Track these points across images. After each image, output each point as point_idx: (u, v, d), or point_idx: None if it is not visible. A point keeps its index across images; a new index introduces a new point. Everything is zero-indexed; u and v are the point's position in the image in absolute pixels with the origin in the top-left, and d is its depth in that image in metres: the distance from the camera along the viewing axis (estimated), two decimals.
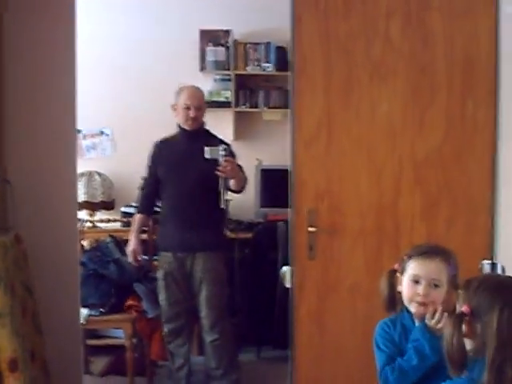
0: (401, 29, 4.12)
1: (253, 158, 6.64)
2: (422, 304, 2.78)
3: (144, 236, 5.61)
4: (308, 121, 4.18)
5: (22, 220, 3.52)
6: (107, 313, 5.10)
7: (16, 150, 3.62)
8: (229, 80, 6.81)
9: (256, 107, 6.86)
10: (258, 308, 6.08)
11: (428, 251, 2.86)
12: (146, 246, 5.59)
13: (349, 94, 4.18)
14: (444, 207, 4.17)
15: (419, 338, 2.77)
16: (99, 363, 5.59)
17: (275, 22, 6.57)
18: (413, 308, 2.82)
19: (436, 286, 2.79)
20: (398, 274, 2.91)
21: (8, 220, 3.53)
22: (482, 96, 4.10)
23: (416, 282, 2.80)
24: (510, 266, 3.63)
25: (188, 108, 4.99)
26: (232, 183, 4.88)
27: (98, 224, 6.27)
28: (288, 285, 4.19)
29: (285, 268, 4.21)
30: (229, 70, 6.80)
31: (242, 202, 6.27)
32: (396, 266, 2.93)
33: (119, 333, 5.36)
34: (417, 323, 2.84)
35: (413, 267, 2.83)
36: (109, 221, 6.20)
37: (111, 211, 6.49)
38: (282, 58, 6.72)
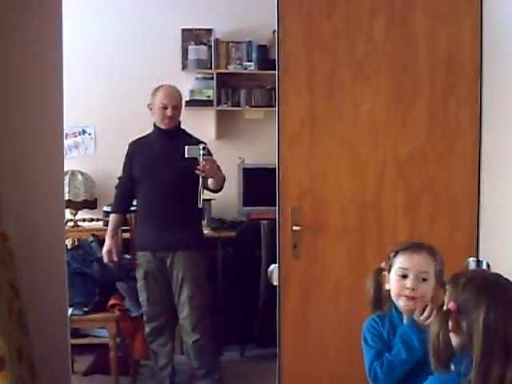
0: (384, 28, 4.14)
1: (235, 156, 6.66)
2: (411, 298, 2.80)
3: (126, 235, 5.62)
4: (291, 119, 4.18)
5: (8, 218, 3.50)
6: (91, 312, 5.09)
7: (2, 148, 3.60)
8: (211, 79, 6.82)
9: (238, 106, 6.88)
10: (241, 306, 6.08)
11: (414, 246, 2.90)
12: (128, 245, 5.59)
13: (332, 93, 4.19)
14: (427, 205, 4.19)
15: (407, 331, 2.79)
16: (82, 362, 5.57)
17: (257, 21, 6.62)
18: (401, 302, 2.84)
19: (424, 279, 2.81)
20: (384, 273, 2.93)
21: None
22: (464, 95, 4.12)
23: (404, 276, 2.83)
24: (493, 263, 3.66)
25: (165, 107, 4.98)
26: (211, 182, 4.86)
27: (81, 223, 6.26)
28: (275, 283, 4.20)
29: (272, 266, 4.21)
30: (211, 68, 6.81)
31: (225, 201, 6.29)
32: (383, 265, 2.95)
33: (102, 332, 5.34)
34: (405, 319, 2.86)
35: (400, 261, 2.85)
36: (91, 220, 6.18)
37: (94, 210, 6.48)
38: (263, 57, 6.75)
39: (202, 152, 4.69)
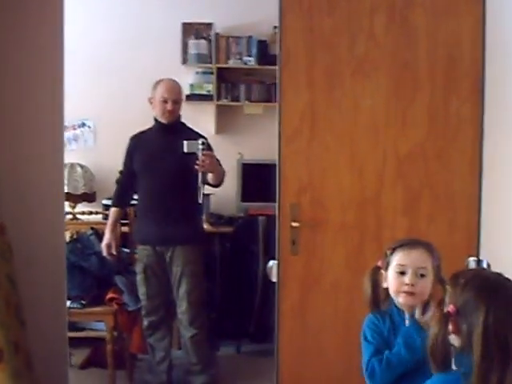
0: (385, 25, 4.13)
1: (234, 151, 6.64)
2: (410, 294, 2.80)
3: (125, 229, 5.62)
4: (291, 115, 4.17)
5: (6, 211, 3.49)
6: (88, 305, 5.09)
7: (1, 141, 3.59)
8: (211, 73, 6.80)
9: (237, 101, 6.86)
10: (238, 302, 6.08)
11: (411, 242, 2.90)
12: (127, 239, 5.59)
13: (332, 89, 4.19)
14: (426, 203, 4.19)
15: (411, 333, 2.79)
16: (79, 356, 5.57)
17: (257, 16, 6.60)
18: (401, 299, 2.84)
19: (422, 275, 2.81)
20: (382, 271, 2.92)
21: None
22: (466, 92, 4.12)
23: (402, 273, 2.83)
24: (493, 262, 3.66)
25: (165, 101, 4.97)
26: (210, 177, 4.85)
27: (80, 216, 6.25)
28: (274, 279, 4.20)
29: (271, 262, 4.20)
30: (211, 63, 6.79)
31: (224, 196, 6.27)
32: (379, 263, 2.95)
33: (99, 325, 5.34)
34: (406, 317, 2.86)
35: (397, 258, 2.85)
36: (90, 213, 6.18)
37: (92, 203, 6.46)
38: (263, 52, 6.74)
39: (200, 147, 4.68)
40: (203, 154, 4.67)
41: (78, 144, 6.80)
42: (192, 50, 6.77)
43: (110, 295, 5.18)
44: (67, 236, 5.67)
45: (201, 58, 6.79)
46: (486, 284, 2.21)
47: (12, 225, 3.39)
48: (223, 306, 6.15)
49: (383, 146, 4.18)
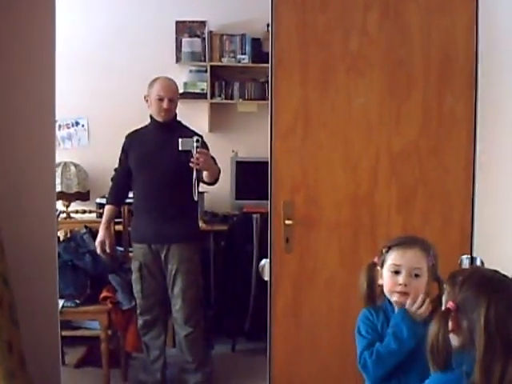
0: (378, 21, 4.12)
1: (228, 149, 6.65)
2: (404, 294, 2.80)
3: (119, 227, 5.61)
4: (284, 113, 4.16)
5: None
6: (82, 304, 5.08)
7: None
8: (204, 71, 6.80)
9: (231, 99, 6.87)
10: (233, 300, 6.08)
11: (407, 241, 2.90)
12: (121, 237, 5.58)
13: (326, 86, 4.17)
14: (420, 200, 4.18)
15: (398, 322, 2.79)
16: (73, 354, 5.56)
17: (251, 14, 6.61)
18: (394, 298, 2.84)
19: (416, 275, 2.81)
20: (377, 268, 2.92)
21: None
22: (459, 89, 4.11)
23: (396, 272, 2.83)
24: (487, 260, 3.66)
25: (161, 99, 4.96)
26: (205, 175, 4.86)
27: (73, 215, 6.24)
28: (266, 278, 4.18)
29: (263, 261, 4.19)
30: (204, 61, 6.79)
31: (218, 194, 6.27)
32: (375, 260, 2.95)
33: (93, 324, 5.33)
34: (396, 310, 2.85)
35: (392, 257, 2.85)
36: (84, 212, 6.18)
37: (86, 202, 6.46)
38: (257, 50, 6.74)
39: (195, 145, 4.68)
40: (197, 152, 4.67)
41: (72, 143, 6.79)
42: (186, 48, 6.76)
43: (104, 294, 5.17)
44: (61, 235, 5.67)
45: (194, 56, 6.78)
46: (485, 279, 2.22)
47: (4, 224, 3.38)
48: (218, 304, 6.16)
49: (377, 143, 4.17)
